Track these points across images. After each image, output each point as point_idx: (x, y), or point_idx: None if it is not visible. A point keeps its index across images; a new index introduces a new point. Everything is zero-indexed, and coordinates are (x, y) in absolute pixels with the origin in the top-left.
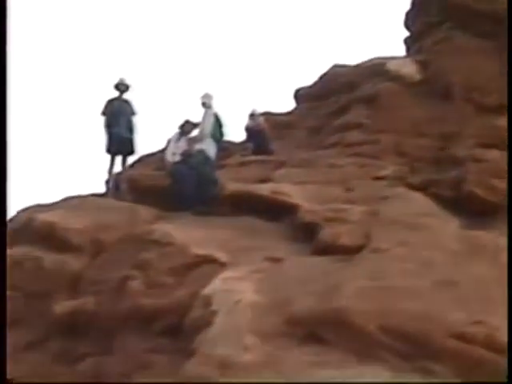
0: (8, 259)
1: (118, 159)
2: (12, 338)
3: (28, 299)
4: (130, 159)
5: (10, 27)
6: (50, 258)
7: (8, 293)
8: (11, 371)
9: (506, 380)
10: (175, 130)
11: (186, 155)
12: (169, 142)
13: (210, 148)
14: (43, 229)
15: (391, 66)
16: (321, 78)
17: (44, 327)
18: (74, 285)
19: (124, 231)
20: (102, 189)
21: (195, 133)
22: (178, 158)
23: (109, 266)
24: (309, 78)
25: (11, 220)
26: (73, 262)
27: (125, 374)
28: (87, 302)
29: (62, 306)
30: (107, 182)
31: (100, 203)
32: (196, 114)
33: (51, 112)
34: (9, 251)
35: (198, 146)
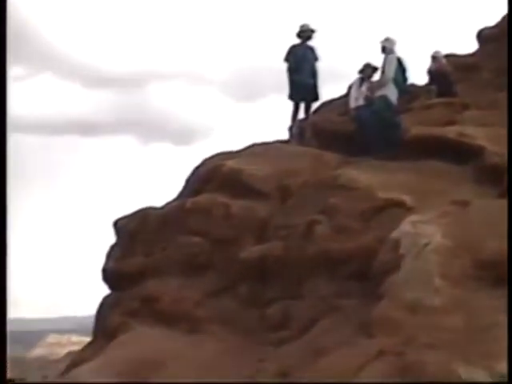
0: (196, 206)
1: (302, 106)
2: (201, 284)
3: (216, 245)
4: (314, 105)
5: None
6: (237, 204)
7: (196, 239)
8: (201, 316)
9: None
10: (356, 74)
11: (369, 100)
12: (350, 87)
13: (392, 93)
14: (230, 176)
15: None
16: (505, 17)
17: (232, 273)
18: (262, 230)
19: (309, 177)
20: (285, 136)
21: (376, 77)
22: (360, 103)
23: (295, 212)
24: (493, 18)
25: (198, 167)
26: (260, 208)
27: (313, 319)
28: (275, 247)
29: (250, 251)
30: (291, 129)
31: (284, 150)
32: (376, 58)
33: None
34: (196, 198)
35: (379, 92)
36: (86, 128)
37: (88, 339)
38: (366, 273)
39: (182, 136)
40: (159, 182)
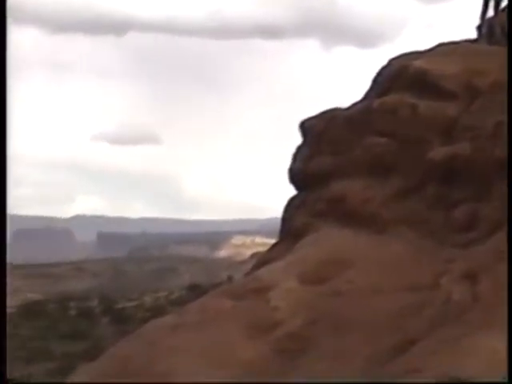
0: (382, 106)
1: (491, 3)
2: (387, 185)
3: (402, 146)
4: (503, 3)
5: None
6: (424, 105)
7: (383, 139)
8: (388, 217)
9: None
10: None
11: None
12: None
13: None
14: (417, 75)
15: None
16: None
17: (419, 173)
18: (449, 131)
19: (499, 76)
20: (473, 35)
21: None
22: None
23: (484, 112)
24: None
25: (384, 68)
26: (447, 108)
27: (501, 220)
28: (463, 147)
29: (438, 152)
30: (479, 28)
31: (473, 49)
32: None
33: None
34: (383, 99)
35: None
36: (270, 31)
37: (272, 241)
38: None
39: (368, 39)
40: (344, 85)
